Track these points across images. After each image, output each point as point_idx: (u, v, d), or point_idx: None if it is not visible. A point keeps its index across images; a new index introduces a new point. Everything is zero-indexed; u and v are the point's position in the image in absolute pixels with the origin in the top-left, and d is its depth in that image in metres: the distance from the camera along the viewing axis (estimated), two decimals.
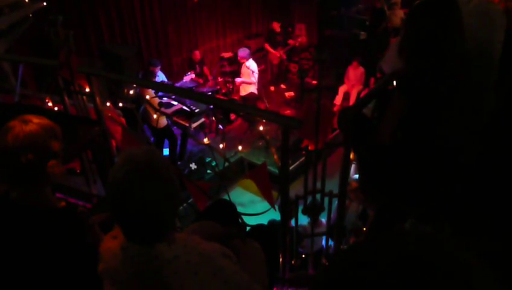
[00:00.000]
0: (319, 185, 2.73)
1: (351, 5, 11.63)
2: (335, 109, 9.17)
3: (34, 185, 1.78)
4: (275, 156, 2.53)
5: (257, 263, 1.88)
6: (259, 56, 11.23)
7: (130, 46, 8.48)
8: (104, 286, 1.50)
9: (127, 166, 1.30)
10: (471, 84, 1.91)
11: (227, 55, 10.54)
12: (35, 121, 1.72)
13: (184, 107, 7.62)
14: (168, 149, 7.42)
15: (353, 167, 3.90)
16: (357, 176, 4.30)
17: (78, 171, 3.84)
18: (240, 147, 7.79)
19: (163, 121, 7.07)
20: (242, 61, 8.47)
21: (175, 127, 7.62)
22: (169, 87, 5.12)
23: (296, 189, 2.91)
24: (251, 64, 8.36)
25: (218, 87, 9.28)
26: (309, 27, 11.69)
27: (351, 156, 2.47)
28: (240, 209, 2.69)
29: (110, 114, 3.78)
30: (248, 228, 2.56)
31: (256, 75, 8.41)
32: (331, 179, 2.80)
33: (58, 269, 1.74)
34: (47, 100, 4.47)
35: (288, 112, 9.41)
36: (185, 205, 5.53)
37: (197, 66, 9.44)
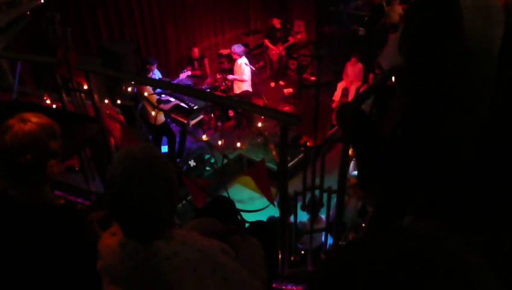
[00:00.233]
0: (318, 181, 2.74)
1: (350, 1, 11.63)
2: (334, 105, 9.16)
3: (32, 184, 1.78)
4: (274, 153, 2.53)
5: (256, 260, 1.88)
6: (258, 52, 11.22)
7: (129, 42, 8.46)
8: (103, 283, 1.50)
9: (125, 163, 1.30)
10: (471, 81, 1.91)
11: (225, 52, 10.52)
12: (34, 121, 1.71)
13: (182, 104, 7.61)
14: (166, 146, 7.42)
15: (352, 163, 3.90)
16: (356, 172, 4.30)
17: (76, 168, 3.84)
18: (238, 144, 7.79)
19: (161, 118, 7.06)
20: (235, 57, 8.36)
21: (173, 125, 7.62)
22: (167, 84, 5.12)
23: (295, 185, 2.91)
24: (244, 62, 8.27)
25: (217, 84, 9.27)
26: (308, 23, 11.67)
27: (350, 152, 2.47)
28: (238, 206, 2.69)
29: (108, 111, 3.78)
30: (247, 225, 2.57)
31: (248, 73, 8.32)
32: (330, 176, 2.80)
33: (57, 266, 1.74)
34: (45, 98, 4.47)
35: (287, 108, 9.41)
36: (184, 202, 5.54)
37: (195, 62, 9.44)
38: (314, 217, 2.98)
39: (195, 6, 10.21)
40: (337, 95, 9.63)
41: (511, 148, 1.99)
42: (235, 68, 8.47)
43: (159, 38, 9.68)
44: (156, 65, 7.58)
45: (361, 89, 9.01)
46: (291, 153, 6.67)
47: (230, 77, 8.71)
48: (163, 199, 1.34)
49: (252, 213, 2.94)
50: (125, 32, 8.99)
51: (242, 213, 2.79)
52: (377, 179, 2.30)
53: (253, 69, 10.13)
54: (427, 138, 1.97)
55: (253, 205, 3.09)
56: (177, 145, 7.50)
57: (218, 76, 9.43)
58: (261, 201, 2.78)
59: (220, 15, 11.05)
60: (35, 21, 6.02)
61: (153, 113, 6.73)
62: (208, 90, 8.74)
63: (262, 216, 3.13)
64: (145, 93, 6.19)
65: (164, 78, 8.18)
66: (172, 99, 7.58)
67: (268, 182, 2.70)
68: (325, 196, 2.81)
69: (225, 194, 2.93)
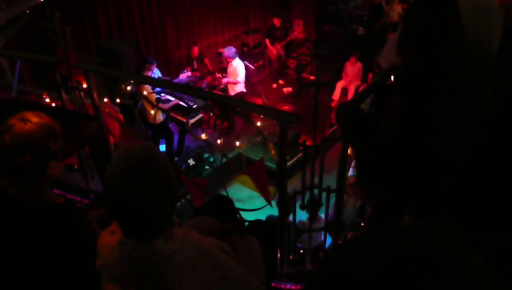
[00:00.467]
0: (317, 180, 2.74)
1: (349, 0, 11.63)
2: (333, 104, 9.16)
3: (32, 183, 1.78)
4: (273, 152, 2.53)
5: (255, 258, 1.88)
6: (257, 52, 11.21)
7: (128, 41, 8.45)
8: (101, 281, 1.50)
9: (125, 162, 1.30)
10: (469, 81, 1.91)
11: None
12: (35, 121, 1.71)
13: (182, 103, 7.61)
14: (164, 145, 7.42)
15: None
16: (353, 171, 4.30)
17: (76, 167, 3.84)
18: (237, 143, 7.78)
19: (160, 117, 7.06)
20: (228, 60, 8.27)
21: (172, 124, 7.61)
22: (167, 83, 5.12)
23: (294, 184, 2.91)
24: (238, 64, 8.19)
25: (216, 82, 9.27)
26: (307, 22, 11.67)
27: (349, 151, 2.47)
28: (238, 205, 2.69)
29: (107, 110, 3.77)
30: (246, 224, 2.57)
31: (242, 74, 8.26)
32: (329, 175, 2.80)
33: (55, 264, 1.74)
34: (44, 96, 4.46)
35: (286, 107, 9.40)
36: (182, 200, 5.53)
37: (194, 62, 9.43)
38: (313, 217, 2.97)
39: (195, 5, 10.20)
40: (336, 94, 9.63)
41: (510, 148, 1.99)
42: (229, 70, 8.38)
43: (158, 38, 9.67)
44: (155, 64, 7.59)
45: (361, 88, 9.01)
46: (291, 152, 6.68)
47: (224, 80, 8.66)
48: (163, 198, 1.34)
49: (251, 212, 2.94)
50: (125, 31, 8.98)
51: (241, 212, 2.80)
52: (376, 179, 2.31)
53: (253, 68, 10.14)
54: (425, 137, 1.97)
55: (252, 204, 3.09)
56: (175, 144, 7.50)
57: (217, 75, 9.43)
58: (260, 200, 2.78)
59: (220, 14, 11.04)
60: (34, 19, 6.01)
61: (152, 112, 6.73)
62: (207, 89, 8.73)
63: (262, 215, 3.14)
64: (144, 92, 6.19)
65: (164, 77, 8.17)
66: (172, 98, 7.58)
67: (267, 182, 2.70)
68: (324, 195, 2.81)
69: (224, 193, 2.93)
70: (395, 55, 2.01)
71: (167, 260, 1.37)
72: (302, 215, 4.23)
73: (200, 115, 8.36)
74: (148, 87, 6.53)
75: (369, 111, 2.47)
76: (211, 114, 8.73)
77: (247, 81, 9.99)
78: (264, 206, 2.82)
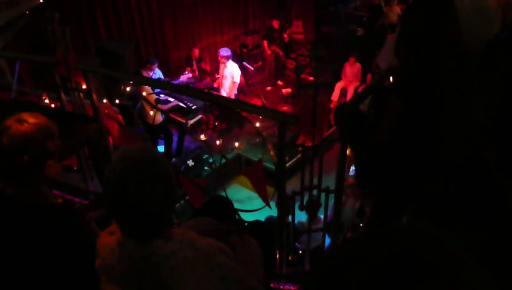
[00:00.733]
0: (316, 181, 2.74)
1: (348, 1, 11.66)
2: (332, 105, 9.17)
3: (30, 184, 1.78)
4: (272, 153, 2.53)
5: (254, 259, 1.88)
6: (256, 52, 11.22)
7: (127, 42, 8.46)
8: (101, 282, 1.50)
9: (124, 162, 1.30)
10: (468, 82, 1.92)
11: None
12: (31, 121, 1.71)
13: (181, 104, 7.61)
14: (163, 146, 7.42)
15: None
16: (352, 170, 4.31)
17: (75, 168, 3.84)
18: (236, 144, 7.78)
19: (159, 118, 7.05)
20: (222, 60, 7.97)
21: (172, 125, 7.61)
22: (166, 84, 5.12)
23: (293, 185, 2.91)
24: (234, 66, 8.01)
25: (216, 85, 9.27)
26: (306, 23, 11.68)
27: (348, 152, 2.48)
28: (237, 205, 2.69)
29: (106, 111, 3.78)
30: (245, 224, 2.57)
31: (237, 76, 8.07)
32: (328, 176, 2.81)
33: (55, 264, 1.74)
34: (44, 97, 4.47)
35: (285, 108, 9.41)
36: (182, 201, 5.54)
37: (194, 62, 9.43)
38: (312, 217, 2.98)
39: (194, 5, 10.21)
40: (335, 95, 9.64)
41: (510, 148, 2.00)
42: (224, 72, 8.11)
43: (157, 38, 9.67)
44: (156, 65, 7.58)
45: (360, 89, 9.01)
46: (290, 153, 6.67)
47: (223, 93, 8.24)
48: (162, 199, 1.34)
49: (250, 213, 2.94)
50: (124, 32, 8.98)
51: (240, 213, 2.80)
52: (375, 179, 2.31)
53: (252, 68, 10.14)
54: (424, 138, 1.98)
55: (251, 204, 3.08)
56: (174, 145, 7.49)
57: (216, 76, 9.43)
58: (259, 201, 2.78)
59: (219, 15, 11.04)
60: (34, 20, 6.02)
61: (151, 113, 6.73)
62: (206, 90, 8.72)
63: (261, 216, 3.14)
64: (143, 93, 6.19)
65: (164, 78, 8.16)
66: (171, 99, 7.58)
67: (264, 183, 2.70)
68: (322, 196, 2.81)
69: (223, 193, 2.93)
70: (394, 56, 2.02)
71: (166, 260, 1.37)
72: (301, 216, 4.23)
73: (200, 116, 8.35)
74: (147, 88, 6.53)
75: (368, 112, 2.48)
76: (210, 115, 8.72)
77: (246, 83, 10.01)
78: (263, 207, 2.82)
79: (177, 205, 5.56)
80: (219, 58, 8.07)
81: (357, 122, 2.30)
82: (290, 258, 3.05)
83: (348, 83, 9.58)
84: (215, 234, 1.81)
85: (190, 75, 9.02)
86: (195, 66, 9.42)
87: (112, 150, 3.49)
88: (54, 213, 1.84)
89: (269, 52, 10.66)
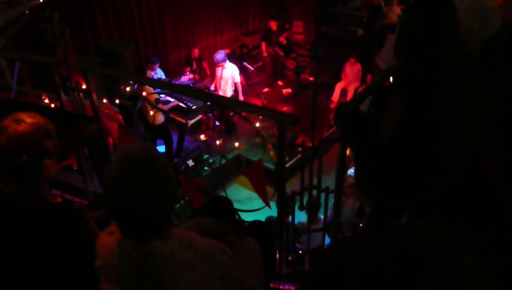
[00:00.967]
0: (315, 181, 2.74)
1: (348, 1, 11.66)
2: (332, 105, 9.17)
3: (29, 183, 1.78)
4: (272, 153, 2.53)
5: (253, 259, 1.88)
6: (257, 53, 11.22)
7: (127, 42, 8.46)
8: (100, 282, 1.50)
9: (123, 162, 1.30)
10: (468, 82, 1.91)
11: (224, 52, 10.51)
12: (28, 121, 1.71)
13: (181, 104, 7.60)
14: (163, 146, 7.41)
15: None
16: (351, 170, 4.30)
17: (74, 168, 3.84)
18: (236, 144, 7.77)
19: (160, 118, 7.05)
20: (220, 65, 7.78)
21: (172, 125, 7.61)
22: (166, 84, 5.12)
23: (293, 185, 2.91)
24: (232, 67, 7.88)
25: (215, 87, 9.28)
26: (307, 24, 11.67)
27: (348, 152, 2.48)
28: (237, 205, 2.69)
29: (106, 111, 3.78)
30: (245, 224, 2.57)
31: (238, 76, 7.96)
32: (328, 176, 2.81)
33: (54, 264, 1.74)
34: (43, 97, 4.46)
35: (285, 108, 9.40)
36: (182, 202, 5.53)
37: (194, 62, 9.44)
38: (312, 218, 2.98)
39: (194, 6, 10.20)
40: (335, 96, 9.65)
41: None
42: (222, 74, 7.92)
43: (157, 38, 9.67)
44: (158, 64, 7.58)
45: (360, 90, 9.02)
46: (290, 153, 6.67)
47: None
48: (161, 199, 1.34)
49: (250, 213, 2.94)
50: (124, 31, 8.98)
51: (240, 213, 2.80)
52: (374, 179, 2.31)
53: (252, 69, 10.14)
54: (424, 139, 1.97)
55: (251, 205, 3.08)
56: (175, 144, 7.49)
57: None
58: (259, 201, 2.78)
59: (219, 15, 11.04)
60: (33, 20, 6.01)
61: (151, 112, 6.74)
62: (206, 90, 8.72)
63: (261, 216, 3.13)
64: (143, 93, 6.19)
65: (165, 78, 8.16)
66: (171, 99, 7.57)
67: (265, 183, 2.70)
68: (322, 196, 2.81)
69: (223, 194, 2.93)
70: (394, 56, 2.02)
71: (166, 260, 1.37)
72: (302, 217, 4.23)
73: (200, 116, 8.35)
74: (147, 87, 6.53)
75: (368, 112, 2.48)
76: (210, 115, 8.72)
77: (247, 83, 10.00)
78: (263, 207, 2.82)
79: (177, 205, 5.55)
80: (216, 63, 7.89)
81: (357, 123, 2.30)
82: (289, 258, 3.05)
83: (348, 83, 9.58)
84: (214, 234, 1.82)
85: (191, 76, 9.02)
86: (195, 66, 9.43)
87: (112, 150, 3.49)
88: (53, 213, 1.84)
89: (266, 53, 10.65)
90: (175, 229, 1.58)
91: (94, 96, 3.15)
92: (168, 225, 1.48)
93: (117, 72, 5.57)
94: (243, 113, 2.86)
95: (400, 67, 1.99)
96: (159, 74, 7.72)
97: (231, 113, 8.15)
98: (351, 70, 9.52)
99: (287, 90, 10.10)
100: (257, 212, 2.95)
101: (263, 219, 3.55)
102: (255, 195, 2.76)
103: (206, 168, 7.35)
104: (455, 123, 1.95)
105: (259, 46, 11.17)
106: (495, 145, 0.85)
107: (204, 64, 9.66)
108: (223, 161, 3.32)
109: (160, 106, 7.01)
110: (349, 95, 9.42)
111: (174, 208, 1.64)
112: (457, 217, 2.06)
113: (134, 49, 8.46)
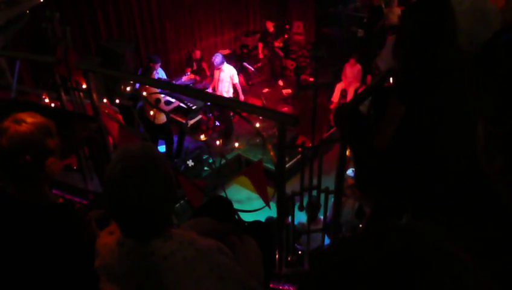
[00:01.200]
0: (315, 181, 2.74)
1: (349, 2, 11.66)
2: (332, 106, 9.16)
3: (32, 183, 1.78)
4: (272, 153, 2.54)
5: (253, 259, 1.88)
6: (256, 53, 11.22)
7: (128, 42, 8.46)
8: (100, 281, 1.50)
9: (124, 162, 1.30)
10: (467, 84, 1.91)
11: (224, 52, 10.51)
12: (29, 121, 1.71)
13: (181, 104, 7.60)
14: (163, 146, 7.41)
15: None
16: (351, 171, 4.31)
17: (75, 167, 3.84)
18: (236, 144, 7.77)
19: (162, 118, 7.04)
20: (219, 68, 7.74)
21: (172, 125, 7.61)
22: (166, 84, 5.12)
23: (293, 185, 2.92)
24: (230, 69, 7.83)
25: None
26: (307, 24, 11.67)
27: (348, 153, 2.48)
28: (236, 206, 2.69)
29: (107, 111, 3.78)
30: (245, 225, 2.57)
31: (236, 77, 7.93)
32: (328, 176, 2.81)
33: (55, 264, 1.74)
34: (44, 96, 4.46)
35: (285, 109, 9.40)
36: (182, 201, 5.53)
37: (194, 63, 9.44)
38: (312, 218, 2.98)
39: (195, 6, 10.21)
40: (335, 96, 9.64)
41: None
42: (221, 76, 7.86)
43: (158, 38, 9.68)
44: (159, 64, 7.57)
45: (360, 90, 9.01)
46: (290, 154, 6.67)
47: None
48: (161, 198, 1.34)
49: (250, 213, 2.94)
50: (125, 31, 8.99)
51: (240, 213, 2.80)
52: (374, 180, 2.31)
53: (252, 69, 10.14)
54: (425, 140, 1.98)
55: (251, 205, 3.08)
56: (175, 145, 7.49)
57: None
58: (259, 201, 2.79)
59: (219, 15, 11.04)
60: (34, 20, 6.01)
61: (152, 112, 6.74)
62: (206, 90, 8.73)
63: (261, 217, 3.14)
64: (144, 93, 6.19)
65: (166, 78, 8.16)
66: (173, 100, 7.57)
67: (265, 183, 2.70)
68: (322, 196, 2.81)
69: (223, 194, 2.93)
70: (393, 57, 2.02)
71: (166, 260, 1.38)
72: (302, 217, 4.23)
73: (199, 117, 8.35)
74: (148, 87, 6.53)
75: (368, 113, 2.48)
76: (210, 115, 8.72)
77: (247, 83, 10.00)
78: (263, 207, 2.82)
79: (177, 205, 5.55)
80: (214, 67, 7.88)
81: (357, 123, 2.31)
82: (289, 258, 3.05)
83: (348, 84, 9.58)
84: (214, 234, 1.82)
85: (192, 76, 9.02)
86: (195, 67, 9.43)
87: (111, 150, 3.49)
88: (54, 213, 1.84)
89: (261, 55, 10.65)
90: (175, 229, 1.58)
91: (94, 96, 3.16)
92: (168, 225, 1.48)
93: (118, 72, 5.57)
94: (243, 114, 2.87)
95: (399, 69, 1.99)
96: (160, 73, 7.71)
97: (231, 114, 8.16)
98: (351, 71, 9.52)
99: (287, 91, 10.10)
100: (257, 212, 2.95)
101: (263, 219, 3.55)
102: (255, 195, 2.77)
103: (206, 168, 7.35)
104: (455, 124, 1.96)
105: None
106: (497, 146, 0.85)
107: (204, 65, 9.67)
108: (223, 161, 3.32)
109: (162, 106, 7.00)
110: (349, 96, 9.42)
111: (174, 207, 1.64)
112: (457, 217, 2.06)
113: (135, 49, 8.47)
